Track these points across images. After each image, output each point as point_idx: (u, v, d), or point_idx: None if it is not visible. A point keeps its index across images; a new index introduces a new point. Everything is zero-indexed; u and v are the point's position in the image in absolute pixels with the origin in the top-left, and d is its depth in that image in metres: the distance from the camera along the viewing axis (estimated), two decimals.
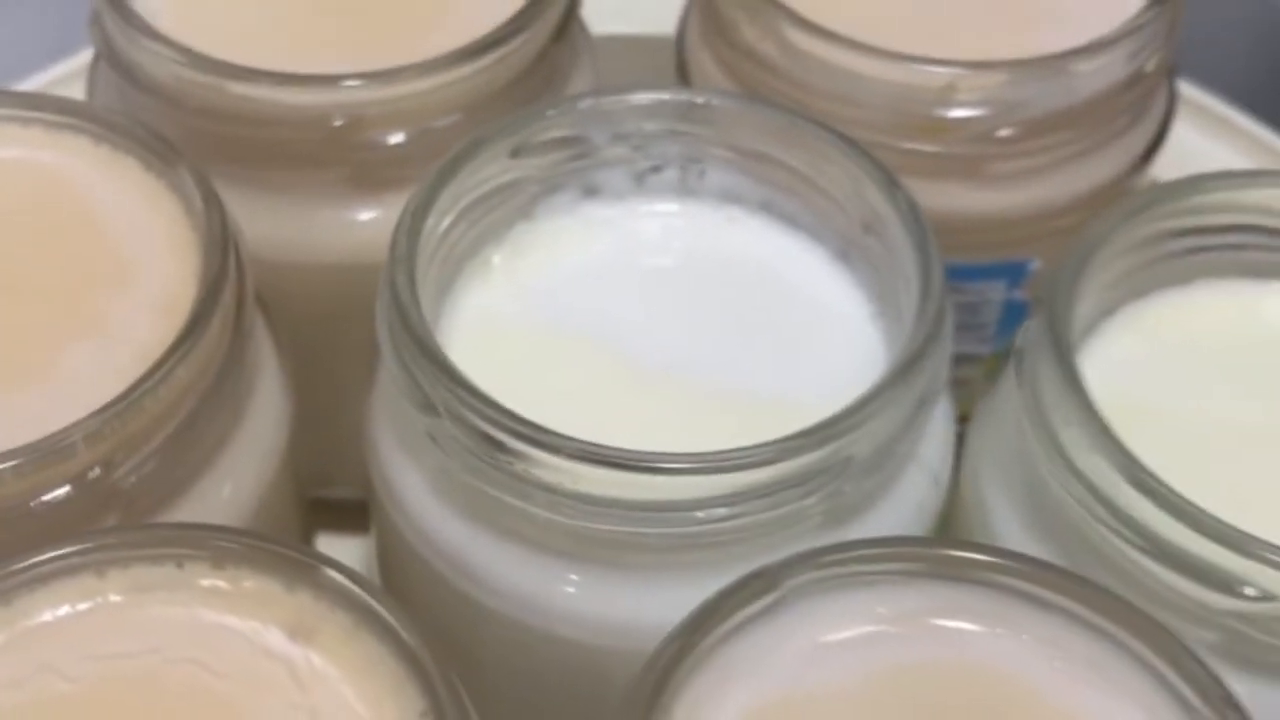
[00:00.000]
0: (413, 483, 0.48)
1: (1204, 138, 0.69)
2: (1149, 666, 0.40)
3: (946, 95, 0.53)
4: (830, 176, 0.51)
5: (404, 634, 0.39)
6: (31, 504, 0.43)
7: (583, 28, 0.61)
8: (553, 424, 0.43)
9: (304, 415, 0.53)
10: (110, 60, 0.55)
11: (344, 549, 0.59)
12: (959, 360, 0.56)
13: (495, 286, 0.51)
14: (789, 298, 0.51)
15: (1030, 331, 0.47)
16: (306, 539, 0.58)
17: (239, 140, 0.53)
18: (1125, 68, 0.55)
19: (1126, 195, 0.52)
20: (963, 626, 0.41)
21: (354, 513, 0.57)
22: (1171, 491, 0.43)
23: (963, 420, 0.52)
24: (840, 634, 0.40)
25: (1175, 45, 0.57)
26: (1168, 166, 0.62)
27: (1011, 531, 0.47)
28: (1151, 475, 0.43)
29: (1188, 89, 0.70)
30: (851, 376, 0.47)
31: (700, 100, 0.52)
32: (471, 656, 0.48)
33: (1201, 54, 0.69)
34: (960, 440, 0.51)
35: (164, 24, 0.55)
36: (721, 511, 0.43)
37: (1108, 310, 0.50)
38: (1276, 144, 0.68)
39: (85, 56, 0.59)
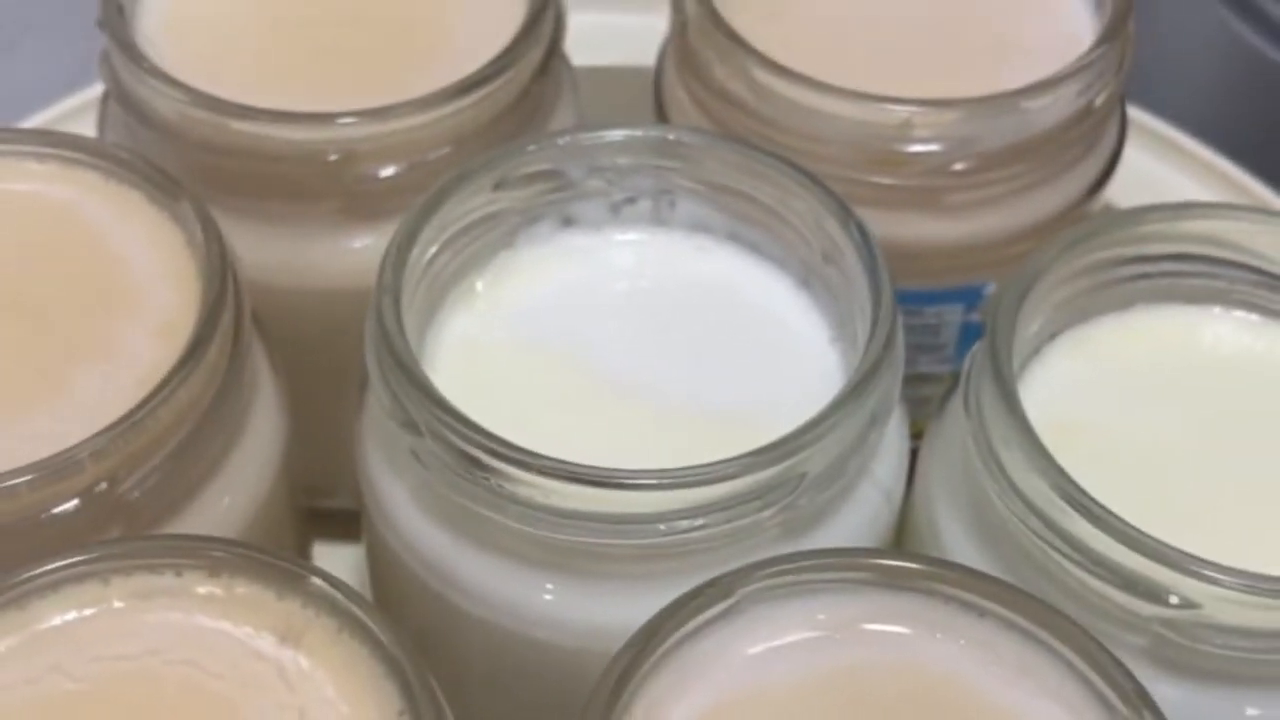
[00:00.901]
0: (399, 497, 0.49)
1: (1162, 165, 0.69)
2: (1074, 669, 0.41)
3: (904, 131, 0.54)
4: (793, 209, 0.52)
5: (384, 638, 0.40)
6: (42, 516, 0.44)
7: (566, 63, 0.62)
8: (531, 441, 0.44)
9: (300, 431, 0.54)
10: (118, 97, 0.56)
11: (339, 557, 0.60)
12: (920, 379, 0.57)
13: (478, 312, 0.52)
14: (754, 322, 0.52)
15: (976, 356, 0.48)
16: (303, 548, 0.58)
17: (239, 173, 0.55)
18: (1075, 103, 0.56)
19: (1075, 223, 0.54)
20: (901, 631, 0.42)
21: (349, 522, 0.58)
22: (1102, 508, 0.44)
23: (922, 437, 0.53)
24: (788, 638, 0.42)
25: (1125, 79, 0.58)
26: (1128, 193, 0.63)
27: (959, 544, 0.49)
28: (1084, 493, 0.44)
29: (1148, 117, 0.70)
30: (811, 396, 0.48)
31: (671, 137, 0.53)
32: (456, 658, 0.49)
33: (1162, 82, 0.71)
34: (915, 456, 0.52)
35: (167, 63, 0.56)
36: (683, 524, 0.44)
37: (1052, 333, 0.51)
38: (1231, 171, 0.68)
39: (99, 89, 0.60)
